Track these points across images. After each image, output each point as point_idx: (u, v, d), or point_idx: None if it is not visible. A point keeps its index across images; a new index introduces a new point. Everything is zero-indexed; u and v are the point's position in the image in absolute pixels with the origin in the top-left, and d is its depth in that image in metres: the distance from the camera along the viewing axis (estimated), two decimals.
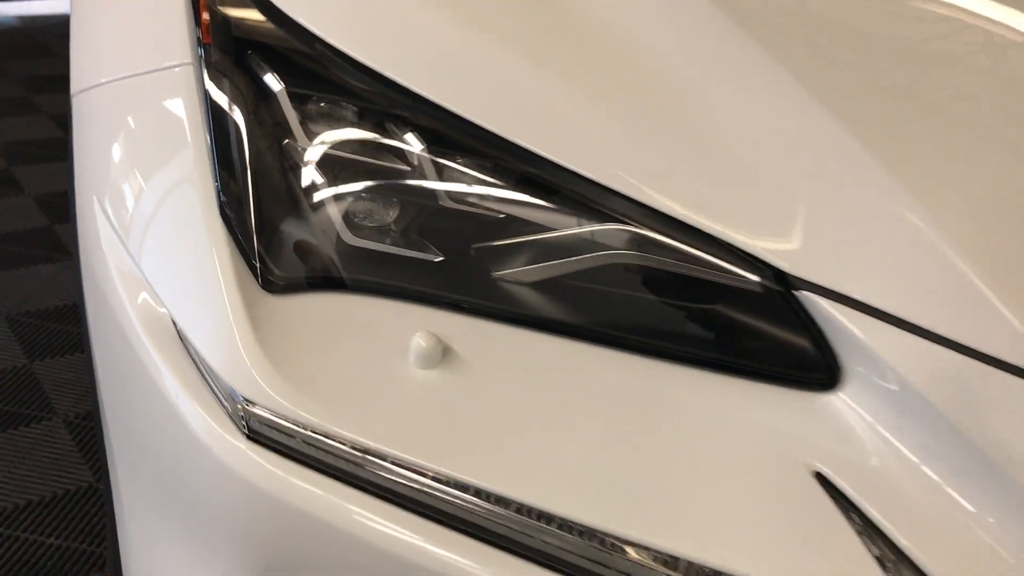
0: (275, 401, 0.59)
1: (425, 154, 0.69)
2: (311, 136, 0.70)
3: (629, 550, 0.56)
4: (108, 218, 0.76)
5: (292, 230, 0.67)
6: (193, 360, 0.64)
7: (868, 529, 0.57)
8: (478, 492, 0.57)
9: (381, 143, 0.70)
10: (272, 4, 0.73)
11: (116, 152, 0.78)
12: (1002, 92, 0.78)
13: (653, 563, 0.55)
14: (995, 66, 0.84)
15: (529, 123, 0.66)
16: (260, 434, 0.60)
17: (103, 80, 0.86)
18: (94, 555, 1.44)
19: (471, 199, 0.68)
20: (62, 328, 2.04)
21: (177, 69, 0.76)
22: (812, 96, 0.67)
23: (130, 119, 0.79)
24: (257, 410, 0.59)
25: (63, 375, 1.88)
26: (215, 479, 0.61)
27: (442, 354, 0.62)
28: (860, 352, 0.60)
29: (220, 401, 0.61)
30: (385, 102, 0.70)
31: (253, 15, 0.74)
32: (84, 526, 1.50)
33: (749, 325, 0.63)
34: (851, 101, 0.70)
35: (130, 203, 0.74)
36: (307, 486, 0.58)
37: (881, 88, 0.73)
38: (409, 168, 0.69)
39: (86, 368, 0.79)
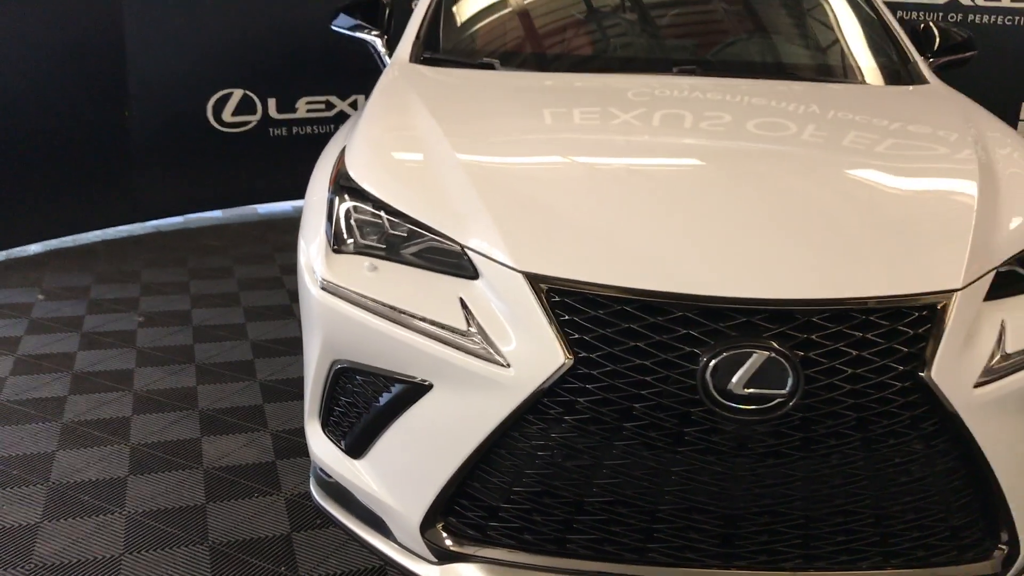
0: (331, 276, 2.20)
1: (395, 220, 2.28)
2: (358, 213, 2.33)
3: None
4: (304, 247, 2.44)
5: (344, 238, 2.30)
6: (314, 272, 2.28)
7: (474, 320, 2.05)
8: (393, 308, 2.13)
9: (392, 222, 2.29)
10: (352, 178, 2.40)
11: (308, 225, 2.49)
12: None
13: None
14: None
15: (407, 197, 2.26)
16: (326, 289, 2.21)
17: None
18: None
19: (415, 241, 2.26)
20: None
21: (329, 196, 2.45)
22: (447, 136, 2.23)
23: (315, 216, 2.50)
24: (324, 281, 2.21)
25: None
26: (314, 303, 2.23)
27: (375, 269, 2.20)
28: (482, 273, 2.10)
29: (316, 280, 2.24)
30: (391, 211, 2.31)
31: (351, 179, 2.41)
32: None
33: (446, 260, 2.13)
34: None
35: (307, 241, 2.42)
36: (340, 303, 2.17)
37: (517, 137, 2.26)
38: (391, 227, 2.29)
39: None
